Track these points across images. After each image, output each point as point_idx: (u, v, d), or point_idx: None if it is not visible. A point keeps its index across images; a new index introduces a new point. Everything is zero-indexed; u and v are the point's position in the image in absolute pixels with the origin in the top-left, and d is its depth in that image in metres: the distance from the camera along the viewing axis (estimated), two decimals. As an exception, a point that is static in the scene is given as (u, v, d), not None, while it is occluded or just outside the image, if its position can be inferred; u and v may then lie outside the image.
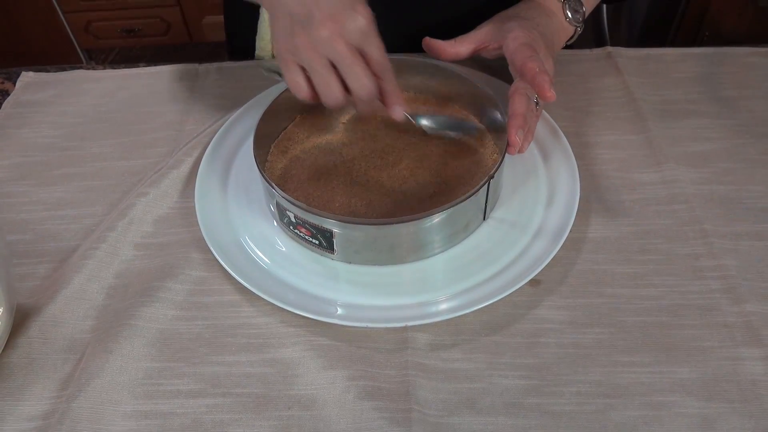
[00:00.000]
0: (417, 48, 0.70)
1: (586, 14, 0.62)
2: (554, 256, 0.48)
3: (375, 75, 0.47)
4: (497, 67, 0.67)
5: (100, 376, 0.44)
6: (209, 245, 0.50)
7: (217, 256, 0.49)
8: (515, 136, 0.50)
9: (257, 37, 0.74)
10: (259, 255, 0.50)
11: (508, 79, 0.57)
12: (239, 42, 0.79)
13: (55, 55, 2.26)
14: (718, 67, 0.68)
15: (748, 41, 1.01)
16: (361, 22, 0.45)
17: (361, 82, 0.46)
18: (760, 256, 0.50)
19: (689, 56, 0.69)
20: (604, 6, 1.32)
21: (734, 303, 0.47)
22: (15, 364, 0.45)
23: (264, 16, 0.73)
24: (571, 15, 0.60)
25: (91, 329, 0.47)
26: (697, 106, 0.63)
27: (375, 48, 0.46)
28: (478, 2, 0.74)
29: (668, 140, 0.59)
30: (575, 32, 0.62)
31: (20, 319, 0.47)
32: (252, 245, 0.51)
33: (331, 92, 0.47)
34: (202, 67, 0.71)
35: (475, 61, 0.66)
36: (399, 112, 0.49)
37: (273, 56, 0.75)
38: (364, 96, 0.47)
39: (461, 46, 0.61)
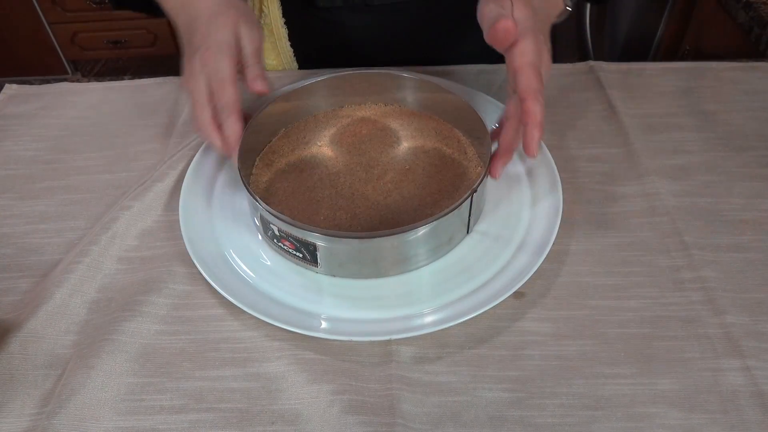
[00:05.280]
0: (404, 61, 0.71)
1: None
2: (538, 269, 0.48)
3: None
4: (485, 82, 0.68)
5: (81, 392, 0.43)
6: (193, 259, 0.50)
7: (201, 270, 0.49)
8: (500, 171, 0.50)
9: None
10: (244, 269, 0.50)
11: (495, 96, 0.57)
12: None
13: (41, 67, 2.25)
14: (698, 82, 0.69)
15: (727, 56, 1.03)
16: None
17: None
18: (740, 268, 0.50)
19: (670, 71, 0.71)
20: (588, 20, 1.34)
21: (714, 314, 0.47)
22: (-6, 381, 0.45)
23: None
24: None
25: (73, 344, 0.47)
26: (677, 119, 0.64)
27: None
28: (470, 8, 0.75)
29: (649, 153, 0.60)
30: (564, 11, 0.58)
31: (1, 334, 0.47)
32: (236, 259, 0.51)
33: None
34: (188, 80, 0.71)
35: (463, 74, 0.67)
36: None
37: None
38: None
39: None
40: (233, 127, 0.51)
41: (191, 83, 0.51)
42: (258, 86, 0.53)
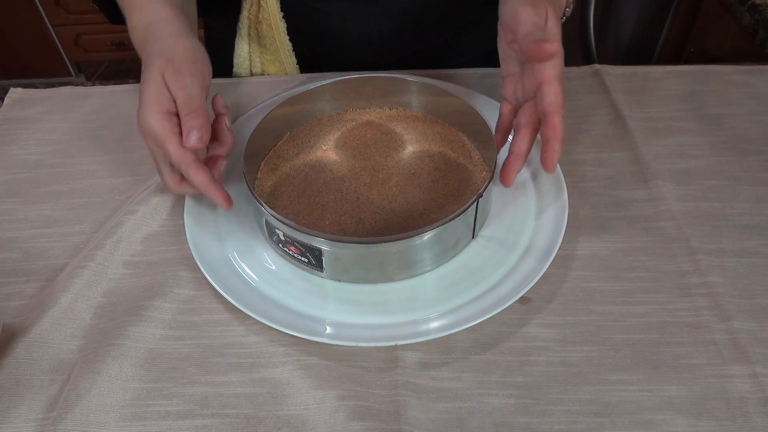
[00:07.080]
0: (410, 65, 0.71)
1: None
2: (543, 274, 0.48)
3: None
4: (489, 85, 0.68)
5: (87, 397, 0.43)
6: (198, 263, 0.50)
7: (206, 275, 0.49)
8: (513, 178, 0.50)
9: (234, 54, 0.75)
10: (249, 273, 0.50)
11: (500, 100, 0.57)
12: (219, 60, 0.79)
13: (45, 69, 2.25)
14: (703, 85, 0.69)
15: (731, 58, 1.03)
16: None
17: None
18: (746, 273, 0.50)
19: (674, 74, 0.70)
20: (591, 22, 1.33)
21: (721, 320, 0.47)
22: (0, 386, 0.45)
23: (242, 31, 0.74)
24: None
25: (79, 349, 0.47)
26: (682, 123, 0.64)
27: None
28: (473, 15, 0.75)
29: (655, 157, 0.60)
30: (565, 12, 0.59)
31: (6, 339, 0.47)
32: (241, 263, 0.51)
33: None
34: (192, 84, 0.71)
35: (467, 78, 0.67)
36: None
37: (251, 73, 0.75)
38: None
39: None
40: (198, 178, 0.49)
41: (147, 143, 0.51)
42: (190, 141, 0.48)
